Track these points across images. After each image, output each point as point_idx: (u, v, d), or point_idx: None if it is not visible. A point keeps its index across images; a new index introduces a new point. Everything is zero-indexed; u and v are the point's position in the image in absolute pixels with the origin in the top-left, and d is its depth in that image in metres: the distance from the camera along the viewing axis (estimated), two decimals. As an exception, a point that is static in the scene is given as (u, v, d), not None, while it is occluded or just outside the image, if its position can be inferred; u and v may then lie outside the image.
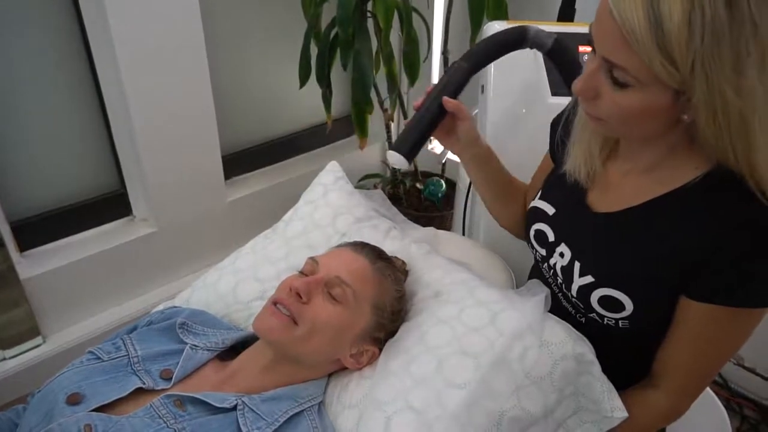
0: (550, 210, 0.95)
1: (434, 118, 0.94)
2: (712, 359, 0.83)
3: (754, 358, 1.69)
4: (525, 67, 1.28)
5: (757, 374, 1.70)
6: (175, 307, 1.07)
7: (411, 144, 0.92)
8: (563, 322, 0.89)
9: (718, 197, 0.73)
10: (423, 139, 0.94)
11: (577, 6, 1.55)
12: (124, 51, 1.53)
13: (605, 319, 0.86)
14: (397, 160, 0.92)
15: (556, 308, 0.94)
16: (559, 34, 1.03)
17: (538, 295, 0.92)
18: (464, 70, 0.95)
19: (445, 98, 0.92)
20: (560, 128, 0.96)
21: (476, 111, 1.45)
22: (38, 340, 1.67)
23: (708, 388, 0.98)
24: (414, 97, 2.44)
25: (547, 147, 1.04)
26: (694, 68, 0.61)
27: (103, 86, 1.64)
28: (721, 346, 0.81)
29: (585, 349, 0.86)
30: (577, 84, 0.74)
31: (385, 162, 2.50)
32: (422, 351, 0.88)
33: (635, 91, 0.67)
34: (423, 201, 2.29)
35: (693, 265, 0.75)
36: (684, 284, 0.77)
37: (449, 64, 0.96)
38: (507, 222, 1.13)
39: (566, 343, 0.85)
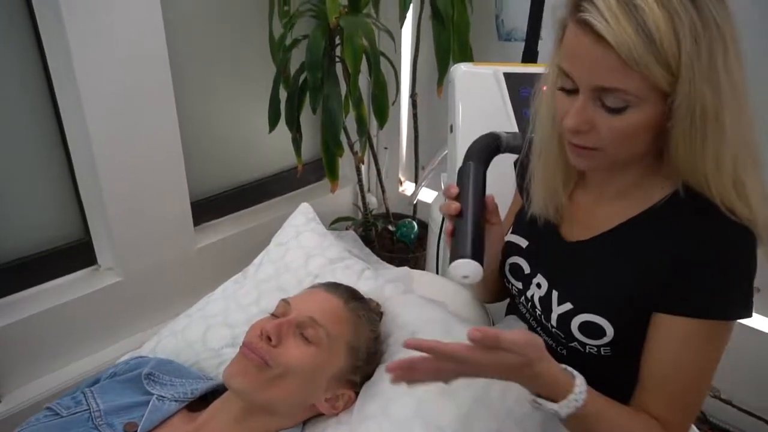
0: (523, 243, 0.96)
1: (481, 216, 0.89)
2: (693, 378, 0.80)
3: (730, 390, 1.71)
4: (492, 105, 1.32)
5: (734, 406, 1.72)
6: (141, 357, 1.03)
7: (476, 248, 0.84)
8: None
9: (685, 214, 0.76)
10: (483, 240, 0.86)
11: (540, 48, 1.60)
12: (89, 96, 1.51)
13: (587, 347, 0.85)
14: (473, 269, 0.81)
15: (536, 343, 0.93)
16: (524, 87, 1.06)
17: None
18: (478, 169, 0.92)
19: (489, 196, 0.91)
20: (517, 176, 0.99)
21: (446, 152, 1.47)
22: (-6, 399, 1.58)
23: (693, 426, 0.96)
24: (383, 141, 2.47)
25: (514, 184, 1.05)
26: (682, 70, 0.66)
27: (67, 131, 1.62)
28: (700, 362, 0.79)
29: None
30: (569, 122, 0.74)
31: (356, 204, 2.50)
32: (400, 393, 0.86)
33: (632, 110, 0.70)
34: (395, 243, 2.28)
35: (665, 282, 0.77)
36: (659, 302, 0.79)
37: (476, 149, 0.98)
38: (485, 297, 1.14)
39: (547, 379, 0.84)
